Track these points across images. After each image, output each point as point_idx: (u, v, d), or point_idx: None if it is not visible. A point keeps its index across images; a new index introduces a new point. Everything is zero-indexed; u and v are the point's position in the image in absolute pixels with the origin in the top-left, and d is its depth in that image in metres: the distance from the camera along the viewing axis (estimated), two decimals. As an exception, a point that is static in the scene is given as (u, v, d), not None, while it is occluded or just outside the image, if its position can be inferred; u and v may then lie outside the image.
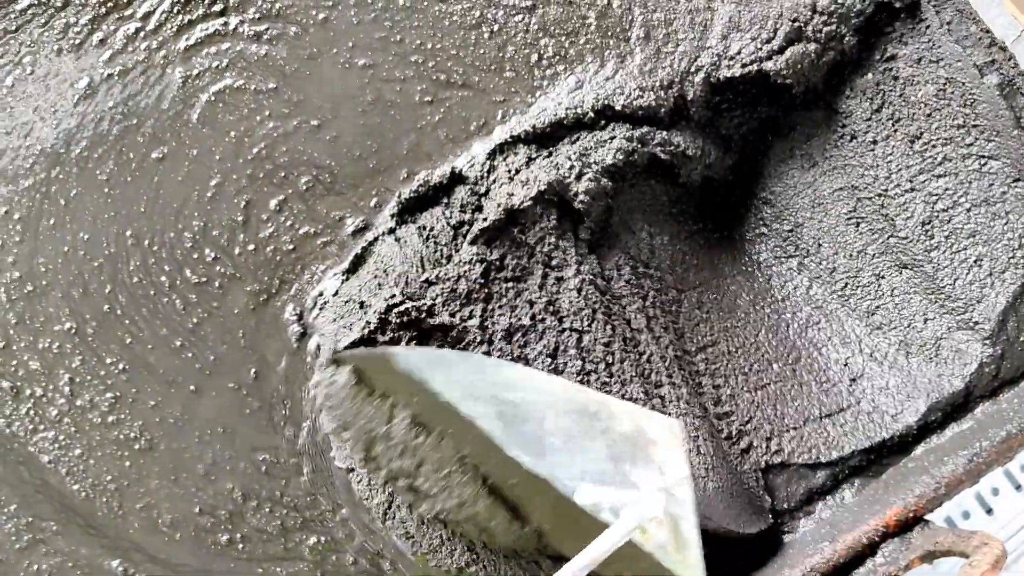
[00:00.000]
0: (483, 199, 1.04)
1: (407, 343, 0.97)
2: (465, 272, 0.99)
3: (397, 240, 1.03)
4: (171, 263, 1.02)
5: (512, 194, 1.00)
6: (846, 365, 1.08)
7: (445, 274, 1.00)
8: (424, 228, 1.03)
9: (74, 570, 0.96)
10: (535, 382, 0.88)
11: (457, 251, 1.02)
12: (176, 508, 0.98)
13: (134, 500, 0.98)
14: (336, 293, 1.02)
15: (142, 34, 1.07)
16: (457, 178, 1.05)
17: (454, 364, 0.86)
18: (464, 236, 1.02)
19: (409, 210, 1.05)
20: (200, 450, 0.99)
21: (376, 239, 1.04)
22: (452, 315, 0.99)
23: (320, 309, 1.02)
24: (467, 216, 1.03)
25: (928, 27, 1.06)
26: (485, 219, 1.00)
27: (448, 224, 1.03)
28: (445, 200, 1.04)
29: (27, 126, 1.04)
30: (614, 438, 0.85)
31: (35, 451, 0.98)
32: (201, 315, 1.02)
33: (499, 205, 1.00)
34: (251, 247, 1.04)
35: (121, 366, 1.00)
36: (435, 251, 1.02)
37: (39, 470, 0.98)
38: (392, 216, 1.04)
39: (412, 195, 1.04)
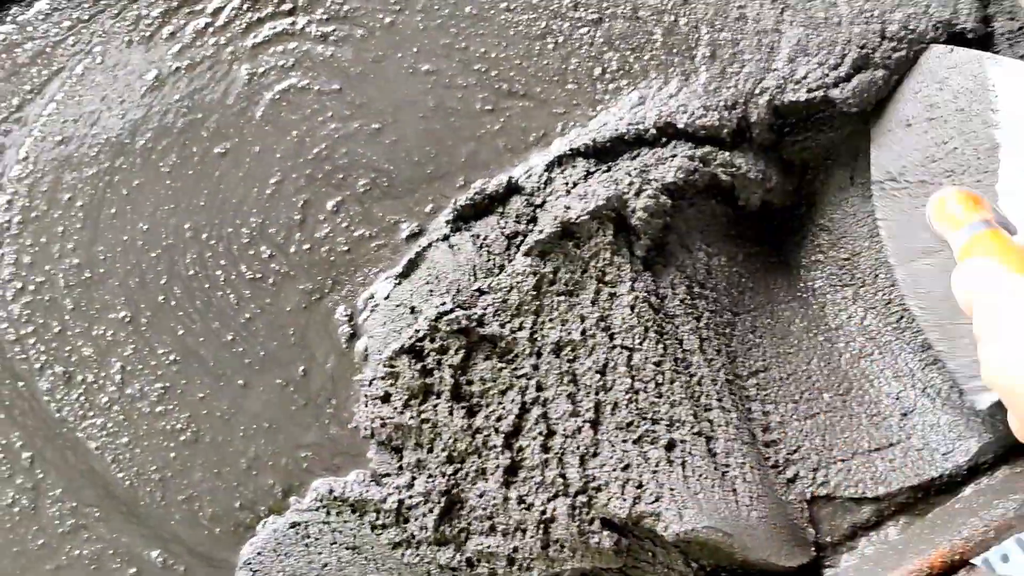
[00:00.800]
0: (539, 211, 1.04)
1: (456, 352, 0.97)
2: (518, 283, 1.00)
3: (451, 247, 1.04)
4: (227, 258, 1.04)
5: (569, 207, 1.00)
6: (898, 399, 1.07)
7: (497, 284, 1.00)
8: (478, 237, 1.04)
9: (114, 557, 0.98)
10: None
11: (510, 261, 1.02)
12: (217, 502, 0.99)
13: (177, 491, 0.99)
14: (388, 297, 1.03)
15: (211, 29, 1.09)
16: (514, 188, 1.05)
17: None
18: (518, 247, 1.03)
19: (464, 218, 1.05)
20: (244, 444, 1.00)
21: (430, 245, 1.04)
22: (502, 326, 0.99)
23: (371, 311, 1.03)
24: (522, 227, 1.03)
25: (1003, 61, 1.05)
26: (540, 231, 1.01)
27: (503, 234, 1.03)
28: (501, 210, 1.05)
29: (94, 115, 1.06)
30: None
31: (83, 437, 1.00)
32: (254, 311, 1.03)
33: (555, 218, 1.00)
34: (306, 246, 1.05)
35: (172, 357, 1.01)
36: (488, 260, 1.03)
37: (86, 456, 0.99)
38: (447, 223, 1.05)
39: (468, 203, 1.05)
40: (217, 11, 1.09)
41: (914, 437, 1.04)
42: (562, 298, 1.00)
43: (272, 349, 1.02)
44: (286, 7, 1.10)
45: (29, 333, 1.01)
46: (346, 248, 1.05)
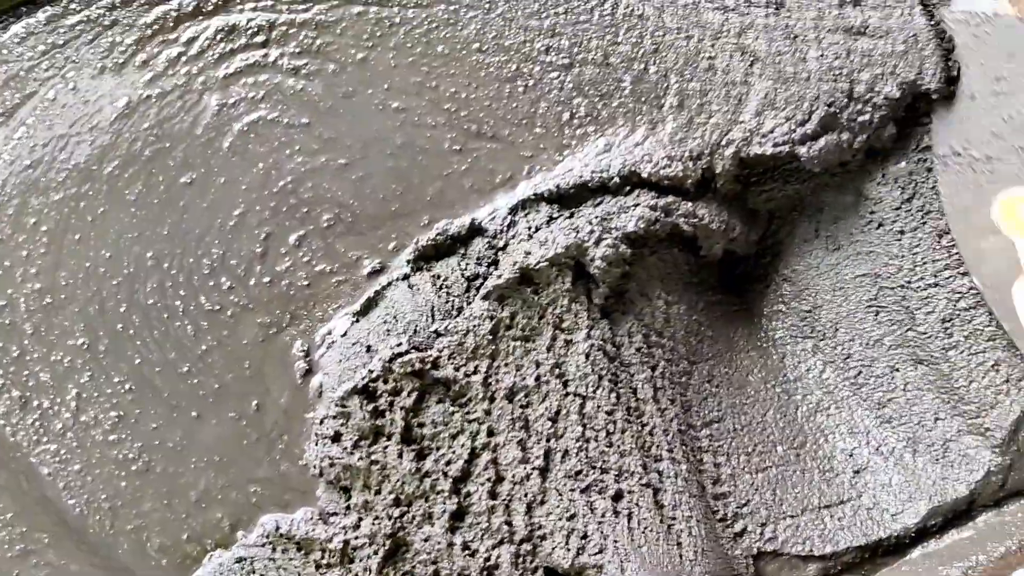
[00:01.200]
0: (500, 253, 1.05)
1: (408, 394, 0.98)
2: (474, 327, 1.01)
3: (410, 287, 1.05)
4: (187, 288, 1.05)
5: (529, 252, 1.01)
6: (851, 456, 1.08)
7: (455, 327, 1.01)
8: (438, 277, 1.05)
9: (62, 584, 0.99)
10: None
11: (469, 304, 1.03)
12: (166, 532, 1.00)
13: (126, 521, 1.01)
14: (345, 334, 1.04)
15: (184, 59, 1.10)
16: (477, 230, 1.06)
17: None
18: (477, 289, 1.04)
19: (425, 257, 1.06)
20: (195, 477, 1.01)
21: (389, 284, 1.06)
22: (457, 369, 1.00)
23: (327, 348, 1.04)
24: (482, 269, 1.04)
25: (966, 122, 1.05)
26: (500, 275, 1.02)
27: (463, 275, 1.04)
28: (462, 251, 1.06)
29: (64, 140, 1.07)
30: None
31: (36, 462, 1.01)
32: (211, 342, 1.04)
33: (515, 263, 1.01)
34: (266, 279, 1.06)
35: (128, 386, 1.03)
36: (447, 302, 1.04)
37: (38, 482, 1.01)
38: (408, 262, 1.06)
39: (430, 243, 1.06)
40: (191, 40, 1.10)
41: (865, 496, 1.05)
42: (518, 343, 1.01)
43: (227, 382, 1.03)
44: (259, 39, 1.11)
45: (-12, 356, 1.03)
46: (306, 283, 1.06)
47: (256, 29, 1.11)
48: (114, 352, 1.03)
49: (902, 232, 1.10)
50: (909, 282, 1.09)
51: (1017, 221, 0.85)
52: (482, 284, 1.04)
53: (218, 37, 1.11)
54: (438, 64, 1.11)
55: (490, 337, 1.01)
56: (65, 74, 1.09)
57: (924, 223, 1.09)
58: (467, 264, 1.05)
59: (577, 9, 1.11)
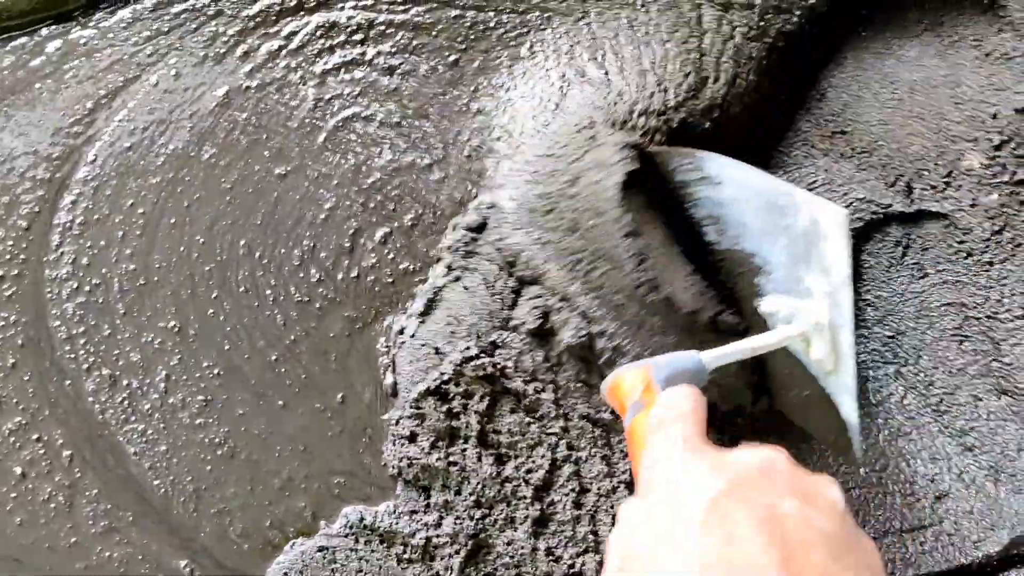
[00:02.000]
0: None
1: (481, 399, 0.99)
2: (529, 349, 1.01)
3: (465, 288, 1.05)
4: (278, 278, 1.07)
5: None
6: (932, 481, 1.08)
7: (511, 341, 1.01)
8: (486, 280, 1.04)
9: (143, 562, 1.01)
10: (744, 174, 0.93)
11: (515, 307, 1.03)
12: (248, 518, 1.02)
13: (209, 504, 1.02)
14: (413, 335, 1.05)
15: (284, 52, 1.13)
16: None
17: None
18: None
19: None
20: (279, 465, 1.03)
21: (444, 285, 1.06)
22: (525, 383, 1.00)
23: (399, 347, 1.06)
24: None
25: (1068, 157, 1.06)
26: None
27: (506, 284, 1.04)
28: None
29: (164, 125, 1.10)
30: (795, 235, 0.89)
31: (123, 441, 1.03)
32: (299, 333, 1.06)
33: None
34: (353, 274, 1.08)
35: (216, 371, 1.05)
36: (501, 308, 1.04)
37: (124, 460, 1.03)
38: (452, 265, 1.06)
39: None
40: (291, 35, 1.13)
41: (946, 522, 1.05)
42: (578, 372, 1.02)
43: (314, 373, 1.05)
44: (358, 37, 1.13)
45: (80, 333, 1.05)
46: (391, 279, 1.08)
47: (355, 27, 1.13)
48: (204, 337, 1.05)
49: (991, 263, 1.10)
50: (996, 313, 1.09)
51: (618, 399, 0.81)
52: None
53: (318, 33, 1.13)
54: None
55: (546, 365, 1.01)
56: (168, 60, 1.12)
57: (1014, 255, 1.09)
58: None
59: None
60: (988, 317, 1.10)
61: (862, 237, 1.15)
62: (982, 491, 1.06)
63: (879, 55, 1.18)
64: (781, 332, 0.88)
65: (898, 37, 1.18)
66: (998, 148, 1.10)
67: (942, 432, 1.10)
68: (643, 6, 1.13)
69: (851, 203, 1.14)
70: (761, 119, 1.18)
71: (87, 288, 1.06)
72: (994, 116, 1.10)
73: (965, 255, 1.11)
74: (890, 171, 1.14)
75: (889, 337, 1.15)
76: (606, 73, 1.10)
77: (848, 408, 0.89)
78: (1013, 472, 1.06)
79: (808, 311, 0.89)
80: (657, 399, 0.70)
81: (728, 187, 0.93)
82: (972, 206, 1.10)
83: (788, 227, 0.90)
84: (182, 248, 1.07)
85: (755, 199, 0.92)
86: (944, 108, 1.14)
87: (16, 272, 1.06)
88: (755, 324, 0.96)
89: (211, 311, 1.06)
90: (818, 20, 1.19)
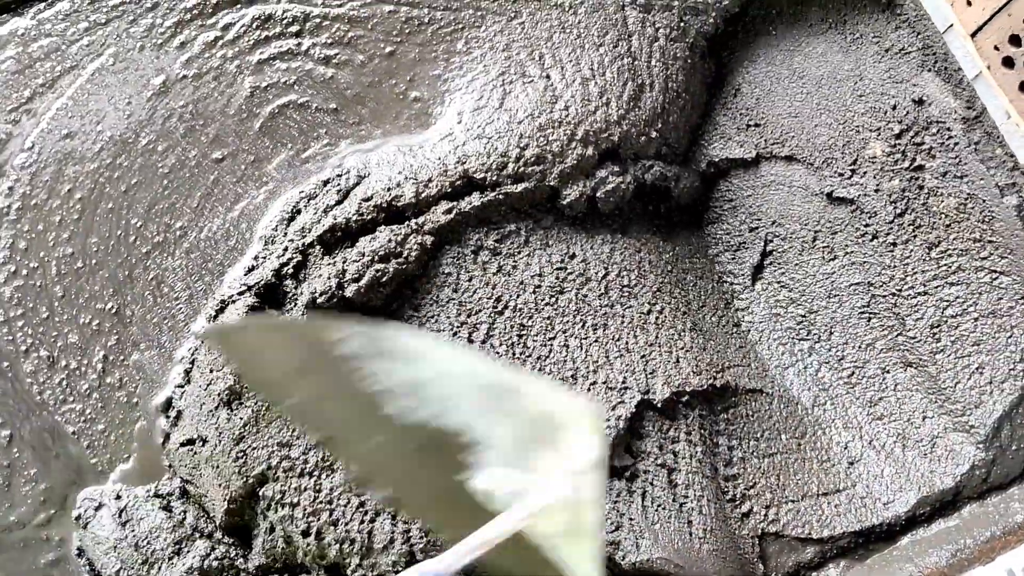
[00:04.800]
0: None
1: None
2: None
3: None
4: (213, 261, 1.13)
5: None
6: (846, 448, 1.19)
7: None
8: None
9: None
10: (446, 354, 0.88)
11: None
12: (187, 494, 1.07)
13: (148, 481, 1.07)
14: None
15: (220, 42, 1.19)
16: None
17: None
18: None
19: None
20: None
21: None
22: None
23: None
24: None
25: (956, 144, 1.19)
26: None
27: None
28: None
29: (101, 113, 1.15)
30: (522, 419, 0.85)
31: (61, 421, 1.07)
32: (237, 313, 1.12)
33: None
34: (293, 256, 1.14)
35: (152, 352, 1.10)
36: None
37: (63, 439, 1.07)
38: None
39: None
40: (228, 26, 1.20)
41: (859, 485, 1.16)
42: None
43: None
44: (294, 29, 1.20)
45: (18, 316, 1.09)
46: (332, 261, 1.15)
47: (291, 19, 1.21)
48: (141, 319, 1.11)
49: (894, 244, 1.22)
50: (900, 291, 1.21)
51: None
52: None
53: (254, 24, 1.20)
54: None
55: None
56: (105, 51, 1.18)
57: (915, 236, 1.21)
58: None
59: None
60: (893, 295, 1.21)
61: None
62: (891, 456, 1.17)
63: (788, 52, 1.30)
64: (508, 519, 0.81)
65: (805, 35, 1.30)
66: (898, 136, 1.22)
67: (854, 403, 1.21)
68: (571, 8, 1.23)
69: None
70: (690, 122, 1.28)
71: (24, 272, 1.10)
72: (894, 107, 1.22)
73: (871, 237, 1.23)
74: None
75: (802, 316, 1.26)
76: (548, 76, 1.19)
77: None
78: (919, 438, 1.17)
79: (532, 490, 0.84)
80: None
81: (427, 365, 0.86)
82: (876, 191, 1.22)
83: (511, 412, 0.86)
84: (119, 231, 1.13)
85: (467, 380, 0.86)
86: (848, 100, 1.26)
87: (-49, 256, 1.10)
88: None
89: (148, 294, 1.11)
90: (732, 20, 1.31)
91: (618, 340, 1.12)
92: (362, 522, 0.99)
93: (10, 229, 1.11)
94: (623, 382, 1.09)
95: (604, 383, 1.09)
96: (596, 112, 1.18)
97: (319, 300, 1.05)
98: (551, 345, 1.10)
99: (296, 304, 1.06)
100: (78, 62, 1.17)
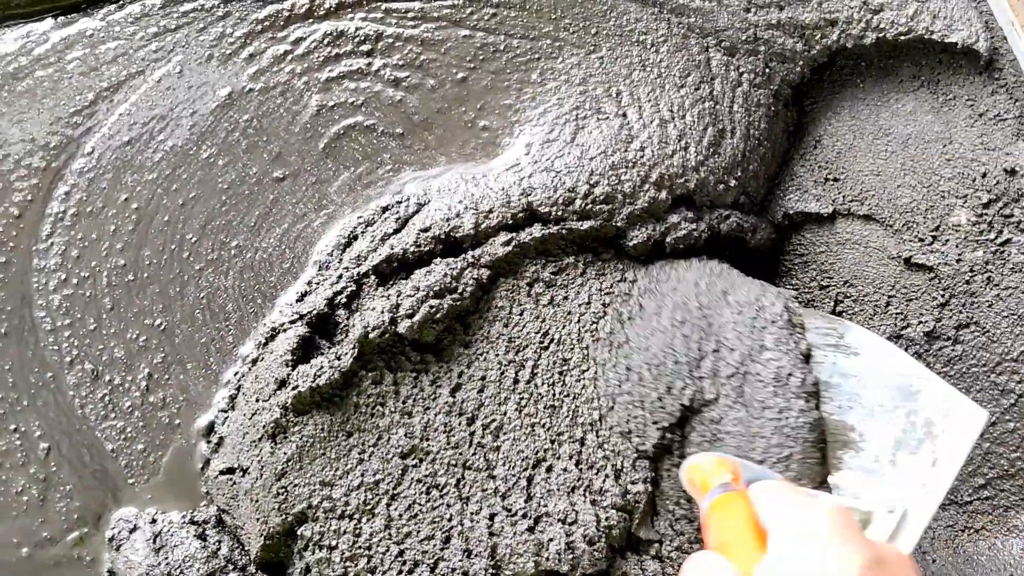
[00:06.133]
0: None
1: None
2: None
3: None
4: (267, 283, 1.12)
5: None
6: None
7: None
8: None
9: (112, 562, 1.05)
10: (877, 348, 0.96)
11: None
12: (222, 523, 1.06)
13: (184, 507, 1.07)
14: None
15: (289, 57, 1.18)
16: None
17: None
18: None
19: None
20: (257, 471, 1.07)
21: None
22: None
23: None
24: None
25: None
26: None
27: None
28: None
29: (164, 122, 1.15)
30: (913, 421, 0.90)
31: (101, 437, 1.07)
32: (287, 340, 1.11)
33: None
34: (347, 284, 1.13)
35: (200, 373, 1.09)
36: None
37: (101, 456, 1.06)
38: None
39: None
40: (299, 40, 1.18)
41: None
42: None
43: (300, 381, 1.10)
44: (365, 48, 1.19)
45: (65, 325, 1.08)
46: (387, 292, 1.13)
47: (363, 38, 1.19)
48: (190, 337, 1.10)
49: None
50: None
51: (696, 485, 0.92)
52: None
53: (326, 40, 1.19)
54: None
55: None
56: (172, 58, 1.17)
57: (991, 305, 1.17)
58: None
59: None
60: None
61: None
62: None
63: (875, 107, 1.27)
64: (848, 502, 0.87)
65: (895, 91, 1.26)
66: (986, 206, 1.18)
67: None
68: (652, 46, 1.21)
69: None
70: (769, 171, 1.25)
71: (75, 280, 1.10)
72: (984, 175, 1.19)
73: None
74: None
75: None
76: (624, 115, 1.17)
77: None
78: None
79: (884, 494, 0.89)
80: (762, 482, 0.82)
81: (864, 359, 0.95)
82: (958, 261, 1.18)
83: (911, 412, 0.91)
84: (173, 246, 1.12)
85: (885, 376, 0.93)
86: (936, 163, 1.22)
87: (4, 260, 1.09)
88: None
89: (197, 312, 1.10)
90: (818, 69, 1.27)
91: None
92: (400, 572, 0.97)
93: (64, 235, 1.10)
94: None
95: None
96: (673, 156, 1.15)
97: (371, 335, 1.03)
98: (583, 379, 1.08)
99: (347, 336, 1.04)
100: (144, 68, 1.16)
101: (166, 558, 1.00)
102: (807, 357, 0.98)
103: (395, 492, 1.00)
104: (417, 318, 1.04)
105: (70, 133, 1.13)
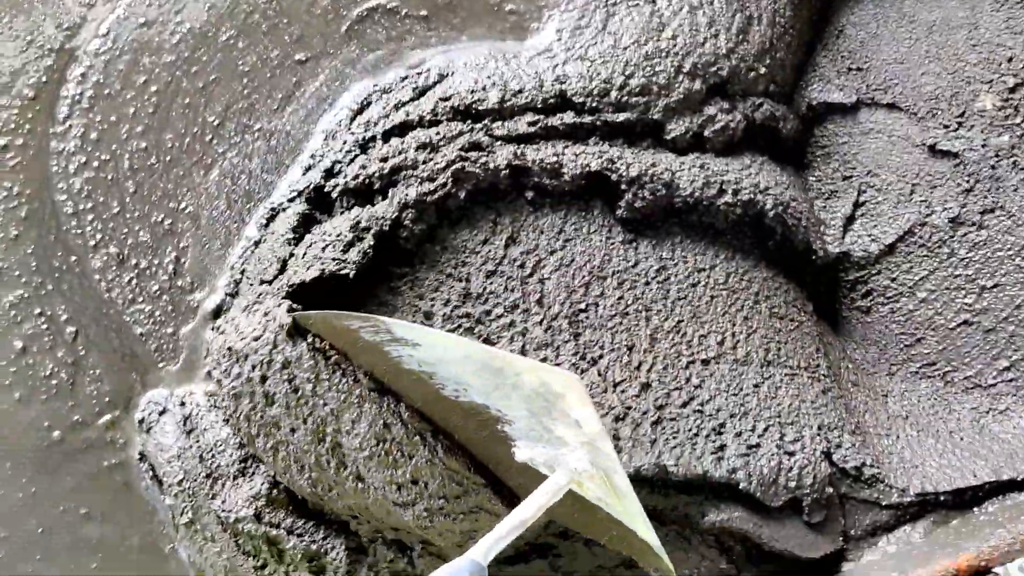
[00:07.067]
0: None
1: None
2: None
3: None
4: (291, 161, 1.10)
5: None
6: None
7: None
8: None
9: (146, 446, 1.04)
10: (439, 340, 0.94)
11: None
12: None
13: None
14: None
15: (309, -64, 1.15)
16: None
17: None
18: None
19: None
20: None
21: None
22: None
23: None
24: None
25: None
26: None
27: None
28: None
29: (180, 2, 1.12)
30: (526, 393, 0.90)
31: (129, 321, 1.05)
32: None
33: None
34: (374, 169, 1.11)
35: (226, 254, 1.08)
36: None
37: (130, 340, 1.05)
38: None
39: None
40: (318, -80, 1.16)
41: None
42: None
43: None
44: (386, -69, 1.17)
45: (88, 209, 1.06)
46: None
47: (385, -79, 1.17)
48: (215, 221, 1.08)
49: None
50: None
51: None
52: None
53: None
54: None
55: None
56: (188, -65, 1.14)
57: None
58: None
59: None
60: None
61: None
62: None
63: (899, -6, 1.27)
64: (547, 490, 0.87)
65: (919, -24, 1.26)
66: (1012, 91, 1.19)
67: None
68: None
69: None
70: (795, 60, 1.25)
71: (95, 164, 1.07)
72: (1010, 59, 1.19)
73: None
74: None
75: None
76: (654, 1, 1.15)
77: (644, 533, 0.90)
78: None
79: (567, 459, 0.90)
80: None
81: (427, 349, 0.91)
82: (983, 146, 1.19)
83: (516, 385, 0.91)
84: (195, 129, 1.09)
85: (466, 362, 0.92)
86: (961, 49, 1.23)
87: (21, 142, 1.06)
88: None
89: (223, 195, 1.08)
90: (843, -46, 1.27)
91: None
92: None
93: (82, 118, 1.08)
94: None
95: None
96: (704, 44, 1.14)
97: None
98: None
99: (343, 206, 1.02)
100: (159, -55, 1.13)
101: (197, 441, 1.00)
102: None
103: None
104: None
105: (84, 13, 1.11)
